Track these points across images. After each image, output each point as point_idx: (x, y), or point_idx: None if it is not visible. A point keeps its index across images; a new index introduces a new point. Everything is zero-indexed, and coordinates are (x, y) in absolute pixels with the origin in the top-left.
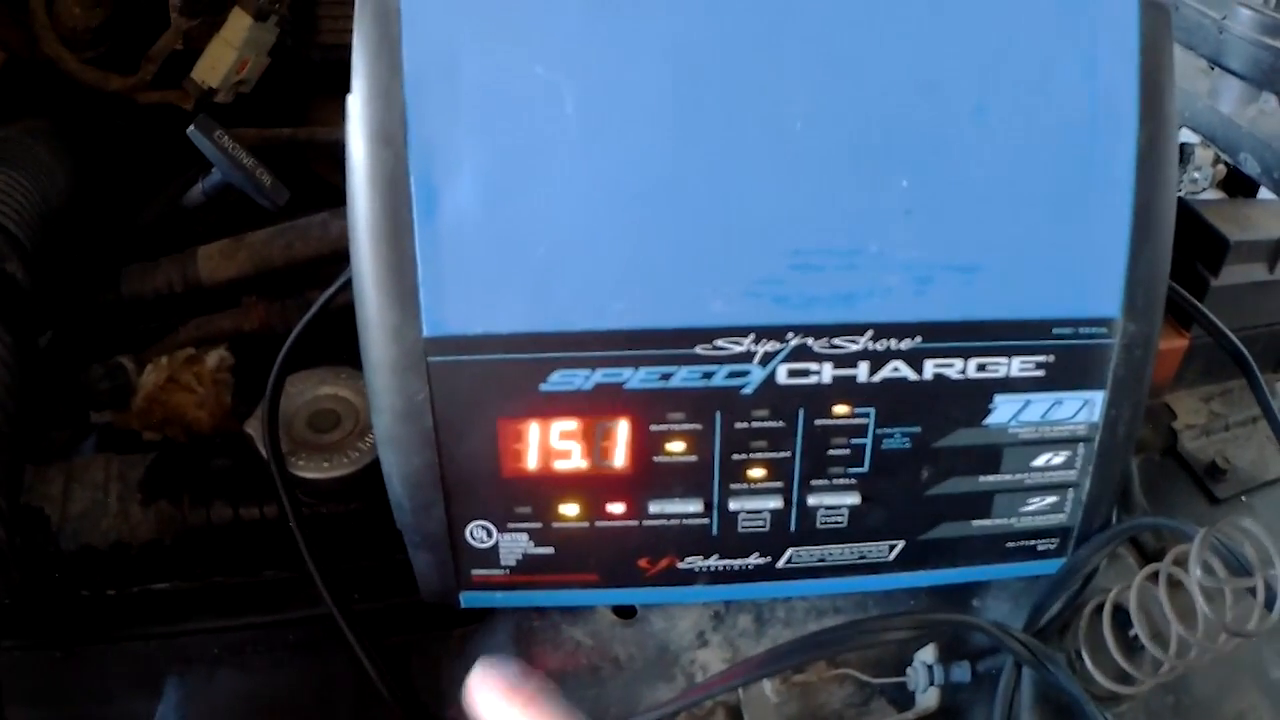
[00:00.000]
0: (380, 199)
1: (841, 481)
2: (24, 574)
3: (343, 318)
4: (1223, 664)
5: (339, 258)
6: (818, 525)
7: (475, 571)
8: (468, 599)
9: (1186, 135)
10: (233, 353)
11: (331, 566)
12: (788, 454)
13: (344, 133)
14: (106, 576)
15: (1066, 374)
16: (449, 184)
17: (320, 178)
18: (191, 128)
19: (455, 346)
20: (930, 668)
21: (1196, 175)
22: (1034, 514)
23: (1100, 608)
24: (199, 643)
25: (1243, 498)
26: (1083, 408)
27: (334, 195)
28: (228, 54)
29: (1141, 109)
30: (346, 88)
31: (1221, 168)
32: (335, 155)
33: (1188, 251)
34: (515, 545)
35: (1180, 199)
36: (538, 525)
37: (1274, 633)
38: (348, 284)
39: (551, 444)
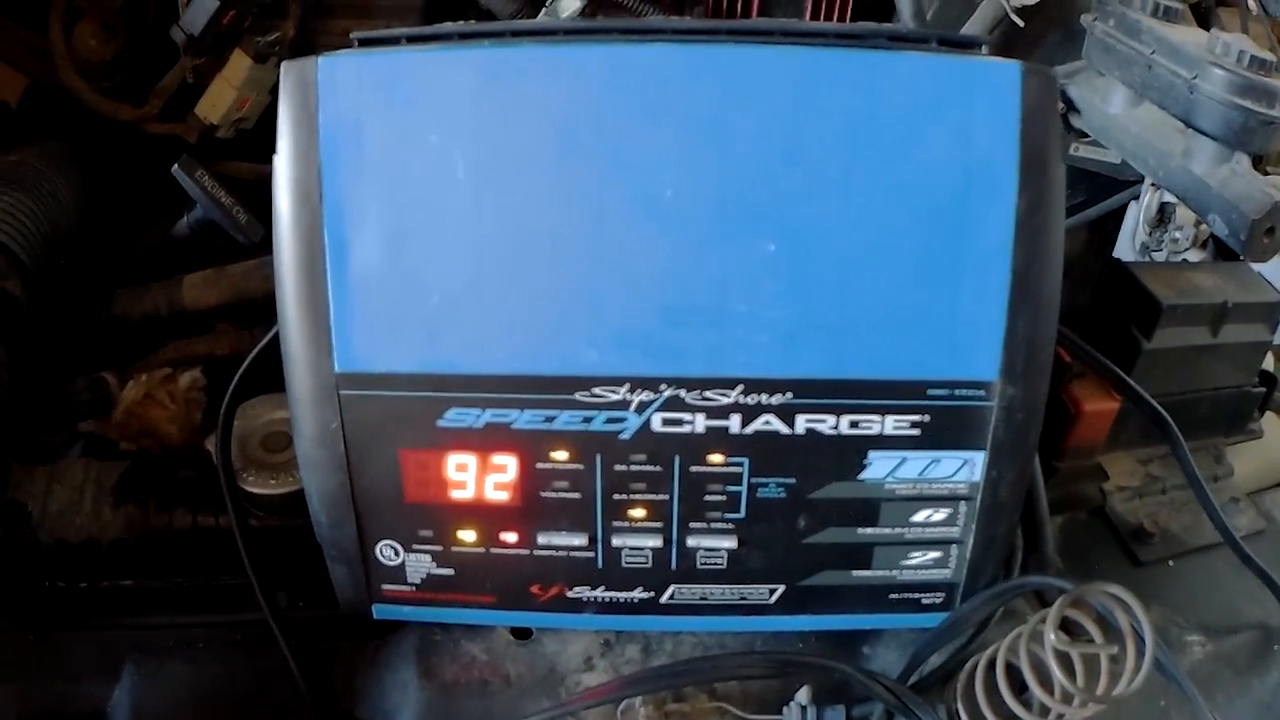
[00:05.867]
0: (299, 249)
1: (719, 525)
2: (5, 562)
3: None
4: (1116, 713)
5: None
6: (698, 565)
7: (385, 586)
8: (380, 611)
9: (1168, 195)
10: (207, 374)
11: (276, 575)
12: (665, 497)
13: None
14: (79, 569)
15: (944, 434)
16: (357, 237)
17: None
18: (175, 167)
19: (363, 382)
20: (805, 709)
21: (1178, 235)
22: (917, 567)
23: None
24: (157, 635)
25: (1170, 562)
26: (962, 467)
27: None
28: (228, 93)
29: (1021, 175)
30: None
31: (1205, 227)
32: None
33: (1124, 314)
34: (420, 564)
35: (1116, 261)
36: (439, 548)
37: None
38: None
39: (448, 475)
